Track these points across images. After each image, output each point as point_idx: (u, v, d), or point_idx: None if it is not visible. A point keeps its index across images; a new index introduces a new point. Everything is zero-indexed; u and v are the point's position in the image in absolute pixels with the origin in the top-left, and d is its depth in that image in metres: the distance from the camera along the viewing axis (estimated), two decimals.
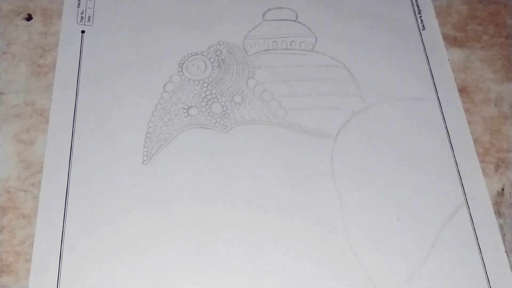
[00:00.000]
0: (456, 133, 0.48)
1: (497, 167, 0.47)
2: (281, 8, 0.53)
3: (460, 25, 0.54)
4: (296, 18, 0.53)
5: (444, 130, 0.48)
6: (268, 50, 0.51)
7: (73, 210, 0.42)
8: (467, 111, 0.50)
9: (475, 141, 0.48)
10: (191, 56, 0.50)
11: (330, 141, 0.47)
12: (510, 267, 0.43)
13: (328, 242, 0.43)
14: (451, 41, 0.53)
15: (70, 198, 0.43)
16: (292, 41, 0.52)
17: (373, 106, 0.49)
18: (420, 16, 0.54)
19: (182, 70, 0.49)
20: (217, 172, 0.45)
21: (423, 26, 0.54)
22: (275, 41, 0.52)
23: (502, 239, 0.44)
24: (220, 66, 0.50)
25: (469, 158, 0.47)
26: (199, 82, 0.49)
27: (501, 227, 0.45)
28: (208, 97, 0.48)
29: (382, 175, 0.46)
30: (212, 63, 0.50)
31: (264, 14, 0.53)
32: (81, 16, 0.51)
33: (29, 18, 0.51)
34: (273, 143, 0.47)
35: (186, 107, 0.48)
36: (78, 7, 0.52)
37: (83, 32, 0.50)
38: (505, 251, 0.44)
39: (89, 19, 0.51)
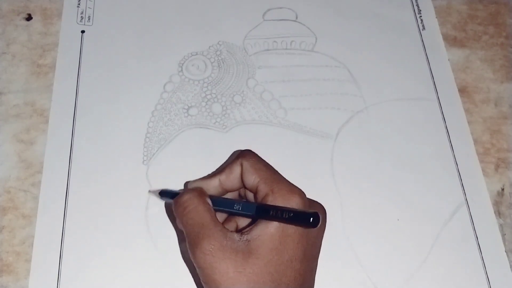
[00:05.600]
0: (456, 133, 0.48)
1: (497, 167, 0.47)
2: (281, 8, 0.53)
3: (460, 25, 0.54)
4: (296, 18, 0.53)
5: (444, 130, 0.48)
6: (268, 50, 0.51)
7: (73, 210, 0.42)
8: (467, 111, 0.50)
9: (475, 141, 0.48)
10: (191, 56, 0.50)
11: (330, 141, 0.47)
12: (510, 267, 0.43)
13: (328, 241, 0.42)
14: (451, 41, 0.53)
15: (70, 198, 0.43)
16: (292, 41, 0.52)
17: (373, 106, 0.49)
18: (420, 16, 0.54)
19: (182, 70, 0.49)
20: None
21: (423, 26, 0.54)
22: (275, 41, 0.52)
23: (502, 239, 0.44)
24: (220, 66, 0.50)
25: (469, 158, 0.47)
26: (199, 82, 0.49)
27: (501, 227, 0.45)
28: (208, 97, 0.48)
29: (382, 175, 0.46)
30: (212, 63, 0.50)
31: (264, 14, 0.53)
32: (81, 16, 0.51)
33: (29, 18, 0.51)
34: (273, 143, 0.47)
35: (186, 107, 0.48)
36: (78, 7, 0.52)
37: (83, 32, 0.50)
38: (505, 251, 0.44)
39: (89, 19, 0.51)
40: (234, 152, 0.45)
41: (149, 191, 0.43)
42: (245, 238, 0.33)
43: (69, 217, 0.42)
